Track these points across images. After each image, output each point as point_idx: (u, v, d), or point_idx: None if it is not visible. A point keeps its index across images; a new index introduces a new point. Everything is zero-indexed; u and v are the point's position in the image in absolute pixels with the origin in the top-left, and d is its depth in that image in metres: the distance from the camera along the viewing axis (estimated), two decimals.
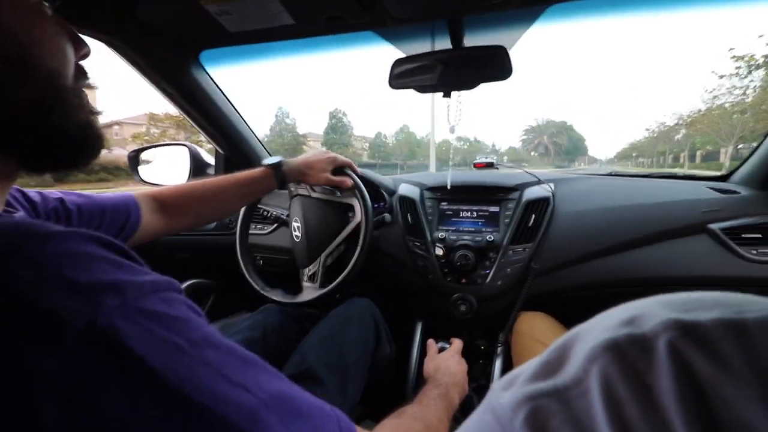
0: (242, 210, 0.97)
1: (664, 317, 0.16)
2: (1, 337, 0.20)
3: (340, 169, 0.86)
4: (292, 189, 1.03)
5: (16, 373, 0.20)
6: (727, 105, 25.79)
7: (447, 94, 0.82)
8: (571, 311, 0.91)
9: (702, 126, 28.65)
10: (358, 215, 0.87)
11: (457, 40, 0.79)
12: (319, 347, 0.70)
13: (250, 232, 1.01)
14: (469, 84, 0.79)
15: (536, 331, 0.85)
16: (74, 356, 0.20)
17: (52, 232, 0.24)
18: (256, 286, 0.89)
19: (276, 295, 0.87)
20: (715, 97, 26.00)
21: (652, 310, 0.17)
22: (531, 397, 0.18)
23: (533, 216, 0.93)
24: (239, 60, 0.97)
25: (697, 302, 0.17)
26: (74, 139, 0.33)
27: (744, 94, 23.56)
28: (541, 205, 0.94)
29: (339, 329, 0.76)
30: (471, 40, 0.80)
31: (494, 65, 0.76)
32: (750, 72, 19.63)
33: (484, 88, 0.80)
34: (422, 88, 0.83)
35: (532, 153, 57.30)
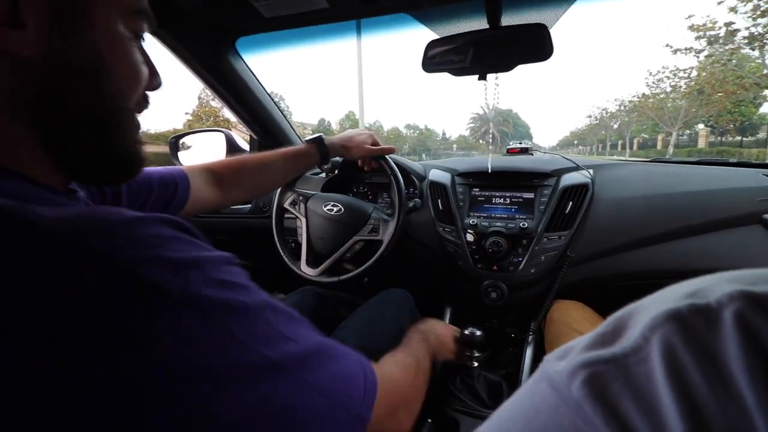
0: (276, 194, 1.00)
1: (730, 289, 0.16)
2: (110, 307, 0.23)
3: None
4: (325, 166, 1.06)
5: (128, 337, 0.23)
6: (668, 89, 23.29)
7: (483, 77, 0.80)
8: (607, 301, 0.88)
9: (645, 111, 26.05)
10: (393, 198, 0.88)
11: (494, 19, 0.76)
12: (357, 332, 0.73)
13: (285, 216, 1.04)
14: (506, 65, 0.76)
15: (571, 319, 0.83)
16: (175, 319, 0.24)
17: (136, 218, 0.27)
18: (293, 267, 0.92)
19: (313, 275, 0.90)
20: (659, 80, 23.41)
21: (716, 284, 0.17)
22: (588, 364, 0.18)
23: (570, 203, 0.90)
24: (273, 46, 0.99)
25: (765, 277, 0.16)
26: (117, 160, 0.35)
27: (689, 77, 20.74)
28: (579, 191, 0.91)
29: (377, 317, 0.78)
30: (509, 20, 0.77)
31: (534, 45, 0.73)
32: (710, 44, 16.35)
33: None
34: (457, 71, 0.81)
35: (481, 141, 56.53)
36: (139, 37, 0.36)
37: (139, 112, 0.38)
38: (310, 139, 0.84)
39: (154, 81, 0.38)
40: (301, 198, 0.99)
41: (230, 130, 1.33)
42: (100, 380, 0.22)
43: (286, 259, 0.94)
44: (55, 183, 0.33)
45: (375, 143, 0.90)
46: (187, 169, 0.69)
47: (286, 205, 1.00)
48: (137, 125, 0.37)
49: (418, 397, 0.50)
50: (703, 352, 0.15)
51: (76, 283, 0.22)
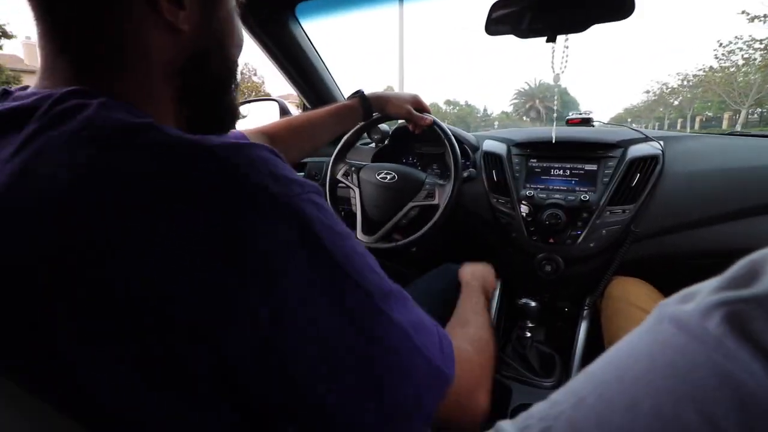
0: (329, 166, 1.02)
1: None
2: (234, 199, 0.25)
3: (420, 110, 0.89)
4: (374, 135, 1.07)
5: (239, 229, 0.25)
6: (741, 62, 20.30)
7: (551, 39, 0.76)
8: (673, 280, 0.84)
9: (711, 86, 23.07)
10: (448, 164, 0.87)
11: None
12: (415, 301, 0.74)
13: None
14: (580, 25, 0.71)
15: (631, 296, 0.80)
16: (279, 222, 0.26)
17: (250, 143, 0.30)
18: None
19: (369, 242, 0.91)
20: (730, 52, 20.55)
21: None
22: (725, 303, 0.18)
23: (638, 175, 0.85)
24: (332, 12, 0.98)
25: None
26: (227, 111, 0.42)
27: (765, 49, 18.24)
28: (648, 163, 0.85)
29: (434, 289, 0.80)
30: None
31: (611, 2, 0.68)
32: None
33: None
34: (524, 33, 0.77)
35: (524, 118, 52.88)
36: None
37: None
38: (353, 94, 0.87)
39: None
40: (353, 168, 1.00)
41: None
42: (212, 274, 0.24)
43: None
44: None
45: (419, 105, 0.89)
46: (247, 132, 0.73)
47: (339, 176, 1.01)
48: (237, 83, 0.43)
49: (492, 371, 0.48)
50: None
51: (208, 184, 0.25)
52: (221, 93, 0.41)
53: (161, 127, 0.28)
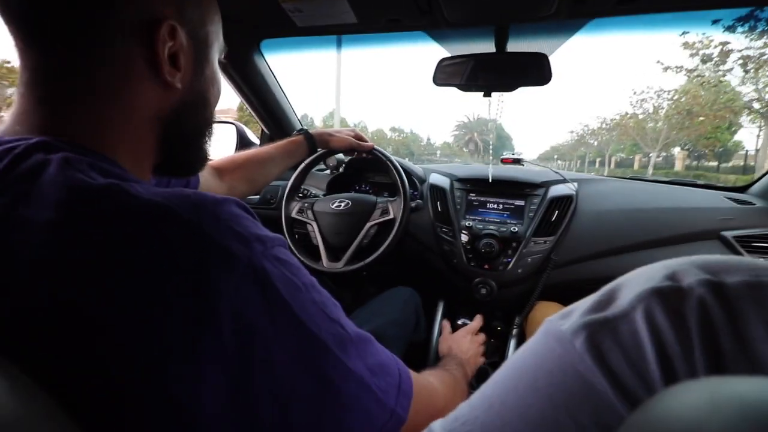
0: (282, 205, 1.06)
1: (699, 277, 0.22)
2: (198, 262, 0.27)
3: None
4: (329, 163, 1.13)
5: (205, 291, 0.26)
6: (650, 110, 23.46)
7: (488, 94, 0.89)
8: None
9: (627, 130, 26.10)
10: (395, 180, 0.96)
11: (501, 44, 0.85)
12: (368, 320, 0.81)
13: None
14: (509, 87, 0.86)
15: None
16: (241, 282, 0.28)
17: (216, 199, 0.31)
18: (315, 266, 0.97)
19: (339, 268, 0.95)
20: (642, 100, 23.33)
21: (688, 270, 0.23)
22: (588, 325, 0.24)
23: (556, 212, 1.00)
24: (295, 49, 1.06)
25: (724, 266, 0.23)
26: (200, 158, 0.46)
27: (672, 99, 21.04)
28: (564, 202, 1.01)
29: (386, 309, 0.87)
30: (514, 46, 0.87)
31: (534, 71, 0.83)
32: (704, 62, 16.18)
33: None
34: (465, 87, 0.90)
35: (464, 149, 57.48)
36: None
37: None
38: (298, 131, 0.94)
39: None
40: (306, 204, 1.05)
41: None
42: (181, 329, 0.26)
43: (307, 263, 0.99)
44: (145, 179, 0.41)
45: (359, 137, 0.99)
46: None
47: (294, 214, 1.05)
48: (212, 131, 0.47)
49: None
50: (676, 319, 0.21)
51: (172, 248, 0.27)
52: (200, 139, 0.44)
53: (124, 188, 0.28)
